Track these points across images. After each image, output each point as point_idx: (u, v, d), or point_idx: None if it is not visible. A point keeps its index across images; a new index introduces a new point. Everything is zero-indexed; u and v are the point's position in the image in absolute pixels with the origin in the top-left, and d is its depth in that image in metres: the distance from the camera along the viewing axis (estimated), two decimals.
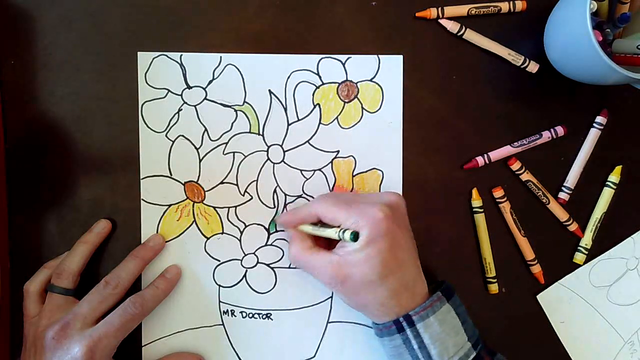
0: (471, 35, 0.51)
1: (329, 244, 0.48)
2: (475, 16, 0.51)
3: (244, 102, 0.51)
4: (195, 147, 0.51)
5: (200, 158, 0.51)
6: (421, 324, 0.43)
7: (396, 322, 0.44)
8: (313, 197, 0.52)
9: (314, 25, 0.51)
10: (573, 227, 0.53)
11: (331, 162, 0.52)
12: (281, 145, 0.52)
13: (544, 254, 0.53)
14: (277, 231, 0.52)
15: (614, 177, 0.53)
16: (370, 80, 0.52)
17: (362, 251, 0.43)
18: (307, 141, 0.52)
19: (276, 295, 0.52)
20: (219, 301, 0.52)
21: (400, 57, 0.52)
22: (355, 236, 0.43)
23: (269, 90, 0.51)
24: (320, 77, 0.51)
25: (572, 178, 0.53)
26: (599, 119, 0.53)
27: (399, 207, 0.46)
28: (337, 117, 0.52)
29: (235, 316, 0.52)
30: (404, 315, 0.44)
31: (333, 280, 0.45)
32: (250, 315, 0.52)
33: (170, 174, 0.51)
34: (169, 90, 0.51)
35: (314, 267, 0.46)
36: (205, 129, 0.51)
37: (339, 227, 0.45)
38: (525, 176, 0.52)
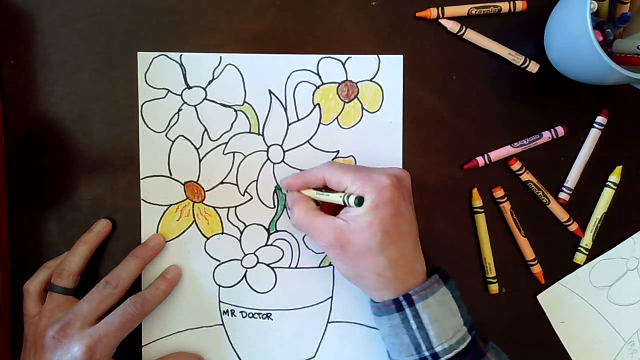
0: (471, 35, 0.51)
1: (332, 212, 0.48)
2: (476, 16, 0.51)
3: (244, 102, 0.51)
4: (195, 147, 0.51)
5: (200, 158, 0.51)
6: (421, 303, 0.43)
7: (395, 301, 0.44)
8: None
9: (314, 25, 0.51)
10: (573, 227, 0.53)
11: None
12: (281, 145, 0.52)
13: (544, 254, 0.53)
14: (277, 231, 0.52)
15: (614, 177, 0.53)
16: (370, 80, 0.52)
17: (365, 216, 0.43)
18: (307, 141, 0.52)
19: (276, 295, 0.52)
20: (219, 301, 0.52)
21: (400, 57, 0.52)
22: (360, 201, 0.43)
23: (269, 90, 0.51)
24: (320, 77, 0.51)
25: (572, 178, 0.53)
26: (599, 119, 0.53)
27: (404, 179, 0.46)
28: (337, 117, 0.52)
29: (235, 316, 0.52)
30: (403, 294, 0.44)
31: (333, 245, 0.44)
32: (250, 315, 0.52)
33: (170, 174, 0.51)
34: (168, 90, 0.51)
35: (315, 230, 0.46)
36: (205, 129, 0.51)
37: (343, 192, 0.45)
38: (526, 176, 0.52)
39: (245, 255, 0.52)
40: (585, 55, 0.44)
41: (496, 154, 0.52)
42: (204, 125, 0.51)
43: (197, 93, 0.51)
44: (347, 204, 0.44)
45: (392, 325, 0.45)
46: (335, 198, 0.45)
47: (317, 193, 0.47)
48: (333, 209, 0.47)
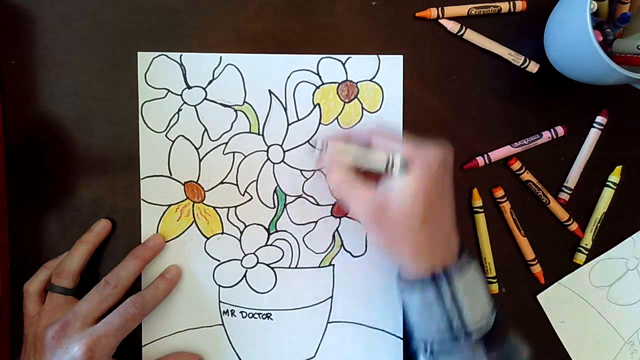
0: (471, 35, 0.51)
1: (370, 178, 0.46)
2: (476, 16, 0.51)
3: (244, 102, 0.51)
4: (195, 147, 0.51)
5: (200, 158, 0.51)
6: (457, 280, 0.43)
7: (432, 277, 0.43)
8: (313, 198, 0.52)
9: (314, 25, 0.51)
10: (573, 227, 0.53)
11: None
12: (281, 145, 0.52)
13: (544, 254, 0.53)
14: (277, 231, 0.52)
15: (614, 177, 0.53)
16: (370, 80, 0.52)
17: (408, 189, 0.42)
18: (307, 141, 0.52)
19: (276, 295, 0.52)
20: (219, 301, 0.52)
21: (400, 57, 0.52)
22: (404, 168, 0.42)
23: (269, 90, 0.51)
24: (320, 77, 0.51)
25: (572, 178, 0.53)
26: (599, 119, 0.53)
27: (448, 155, 0.44)
28: (337, 117, 0.52)
29: (235, 316, 0.52)
30: (440, 270, 0.43)
31: (372, 217, 0.43)
32: (250, 315, 0.52)
33: (170, 174, 0.51)
34: (169, 90, 0.51)
35: (355, 200, 0.44)
36: (205, 129, 0.51)
37: (387, 158, 0.43)
38: (526, 176, 0.52)
39: (245, 255, 0.52)
40: (585, 55, 0.44)
41: (496, 154, 0.52)
42: (204, 125, 0.51)
43: (197, 93, 0.51)
44: (390, 171, 0.43)
45: (425, 302, 0.43)
46: (377, 165, 0.43)
47: (354, 158, 0.45)
48: (372, 176, 0.46)
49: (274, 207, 0.52)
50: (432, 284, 0.43)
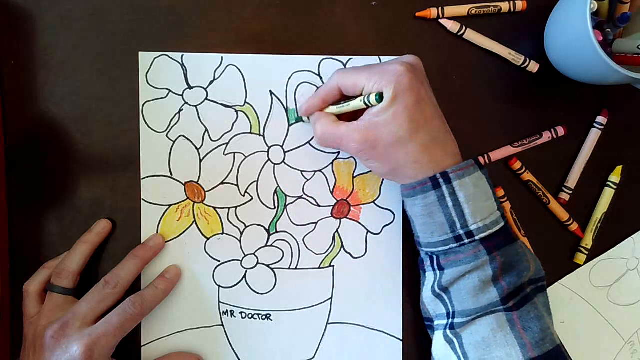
0: (471, 35, 0.51)
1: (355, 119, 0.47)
2: (476, 16, 0.51)
3: (245, 102, 0.51)
4: (196, 148, 0.51)
5: (201, 158, 0.51)
6: (457, 182, 0.43)
7: (432, 179, 0.43)
8: (314, 198, 0.52)
9: (314, 26, 0.51)
10: (573, 227, 0.53)
11: (332, 163, 0.52)
12: (282, 146, 0.52)
13: (544, 254, 0.53)
14: (277, 232, 0.52)
15: (614, 177, 0.53)
16: None
17: (388, 109, 0.43)
18: (308, 142, 0.52)
19: (276, 296, 0.52)
20: (219, 301, 0.52)
21: None
22: (380, 97, 0.43)
23: (270, 91, 0.51)
24: (321, 78, 0.51)
25: (572, 178, 0.53)
26: (599, 119, 0.53)
27: (417, 65, 0.45)
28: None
29: (234, 317, 0.52)
30: (440, 172, 0.43)
31: (363, 146, 0.44)
32: (250, 315, 0.52)
33: (171, 174, 0.51)
34: (170, 91, 0.51)
35: (342, 138, 0.45)
36: (206, 129, 0.51)
37: (361, 94, 0.44)
38: (526, 176, 0.52)
39: (245, 255, 0.52)
40: (585, 55, 0.44)
41: (496, 154, 0.52)
42: (204, 126, 0.51)
43: (198, 93, 0.51)
44: (368, 104, 0.43)
45: (426, 204, 0.44)
46: (355, 103, 0.44)
47: (337, 108, 0.47)
48: (355, 117, 0.47)
49: (274, 208, 0.52)
50: (433, 185, 0.43)
